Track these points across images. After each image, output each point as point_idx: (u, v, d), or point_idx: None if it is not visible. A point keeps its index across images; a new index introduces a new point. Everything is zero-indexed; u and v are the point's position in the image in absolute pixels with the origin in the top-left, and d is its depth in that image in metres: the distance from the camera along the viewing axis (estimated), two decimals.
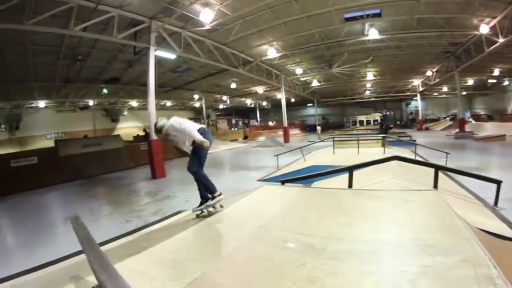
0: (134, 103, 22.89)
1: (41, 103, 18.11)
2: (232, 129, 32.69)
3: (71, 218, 2.40)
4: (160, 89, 20.41)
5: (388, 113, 27.05)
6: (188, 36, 10.35)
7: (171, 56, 10.47)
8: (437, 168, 3.88)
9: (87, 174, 10.84)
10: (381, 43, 13.54)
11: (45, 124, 20.86)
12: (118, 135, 15.84)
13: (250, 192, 3.67)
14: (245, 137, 28.01)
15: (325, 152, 9.49)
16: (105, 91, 17.88)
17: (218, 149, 17.69)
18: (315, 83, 22.31)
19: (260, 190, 3.59)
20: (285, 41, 12.65)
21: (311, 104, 34.23)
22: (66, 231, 4.46)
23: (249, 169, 8.72)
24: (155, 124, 3.44)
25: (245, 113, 38.77)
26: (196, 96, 24.76)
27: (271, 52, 13.09)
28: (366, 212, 2.72)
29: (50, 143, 16.44)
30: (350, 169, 3.77)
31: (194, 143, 3.15)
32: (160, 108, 27.09)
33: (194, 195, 5.88)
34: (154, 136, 8.84)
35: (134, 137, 21.17)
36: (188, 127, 3.14)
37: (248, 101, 31.80)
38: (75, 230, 2.11)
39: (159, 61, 13.58)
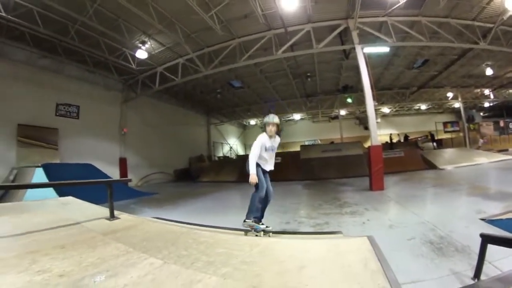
0: (385, 109, 22.03)
1: (296, 116, 23.56)
2: (502, 135, 22.87)
3: None
4: (405, 90, 18.99)
5: None
6: (397, 21, 8.83)
7: (385, 49, 9.60)
8: None
9: (320, 176, 11.87)
10: None
11: (303, 132, 26.60)
12: (359, 142, 15.94)
13: None
14: None
15: None
16: (349, 100, 18.30)
17: (475, 161, 13.45)
18: None
19: None
20: None
21: None
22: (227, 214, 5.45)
23: (485, 196, 5.78)
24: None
25: None
26: (449, 94, 20.09)
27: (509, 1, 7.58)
28: None
29: None
30: None
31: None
32: (415, 113, 25.50)
33: (381, 218, 4.69)
34: (375, 142, 8.06)
35: (383, 144, 20.09)
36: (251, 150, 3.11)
37: None
38: None
39: (389, 60, 13.44)
